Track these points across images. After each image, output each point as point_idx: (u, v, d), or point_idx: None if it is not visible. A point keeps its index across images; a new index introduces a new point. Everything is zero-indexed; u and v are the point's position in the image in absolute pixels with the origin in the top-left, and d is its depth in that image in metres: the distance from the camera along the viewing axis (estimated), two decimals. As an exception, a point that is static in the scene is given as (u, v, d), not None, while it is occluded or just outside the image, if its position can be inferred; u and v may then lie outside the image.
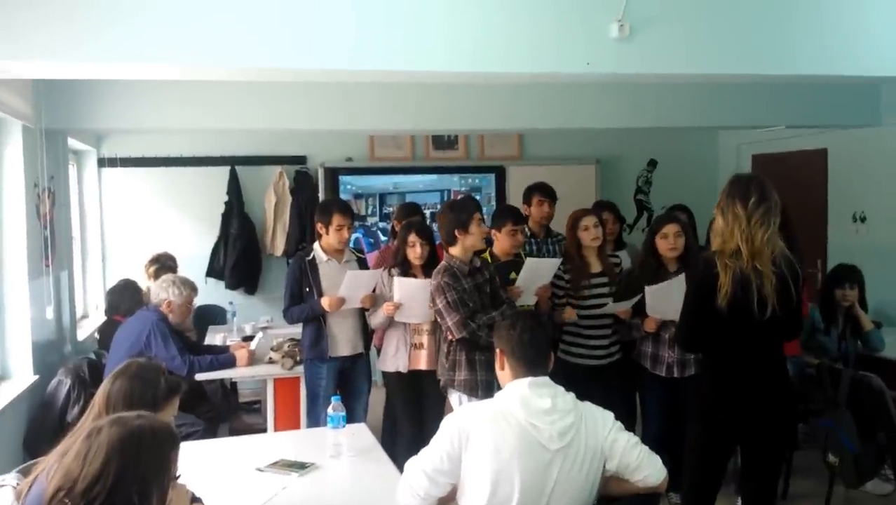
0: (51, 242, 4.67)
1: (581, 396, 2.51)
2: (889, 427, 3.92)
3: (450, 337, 3.80)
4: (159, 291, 4.49)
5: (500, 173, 7.34)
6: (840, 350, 4.60)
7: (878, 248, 5.98)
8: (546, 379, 2.45)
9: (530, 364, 2.45)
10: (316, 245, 4.44)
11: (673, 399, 4.11)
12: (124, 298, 5.16)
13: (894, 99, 5.91)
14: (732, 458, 3.26)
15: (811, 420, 4.44)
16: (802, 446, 4.65)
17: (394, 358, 4.24)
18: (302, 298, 4.35)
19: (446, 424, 2.42)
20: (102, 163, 6.61)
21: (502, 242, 4.23)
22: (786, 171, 6.49)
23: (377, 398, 4.72)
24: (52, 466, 1.82)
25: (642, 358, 4.18)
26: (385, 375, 4.36)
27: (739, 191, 2.94)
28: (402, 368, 4.21)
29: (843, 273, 4.68)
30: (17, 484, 2.26)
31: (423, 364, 4.18)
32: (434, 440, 2.41)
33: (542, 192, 4.90)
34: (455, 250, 3.88)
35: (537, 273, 4.17)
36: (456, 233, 3.86)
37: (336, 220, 4.32)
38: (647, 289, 3.93)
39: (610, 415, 2.47)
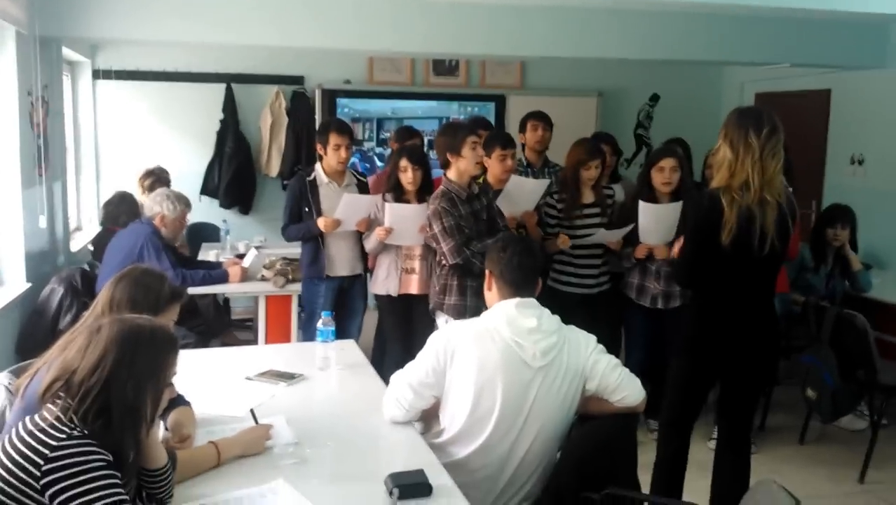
0: (44, 152, 4.63)
1: (567, 323, 2.54)
2: (869, 365, 3.99)
3: (444, 262, 3.81)
4: (153, 205, 4.48)
5: (500, 102, 7.26)
6: (828, 289, 4.64)
7: (874, 192, 5.98)
8: (533, 301, 2.49)
9: (518, 287, 2.47)
10: (317, 166, 4.43)
11: (656, 330, 4.19)
12: (121, 209, 5.14)
13: (902, 41, 5.83)
14: (712, 390, 3.32)
15: (793, 356, 4.52)
16: (782, 382, 4.74)
17: (385, 281, 4.27)
18: (301, 218, 4.36)
19: (433, 339, 2.47)
20: (97, 74, 6.52)
21: (493, 168, 4.19)
22: (788, 111, 6.39)
23: (371, 321, 4.77)
24: (54, 360, 1.85)
25: (628, 289, 4.23)
26: (377, 297, 4.40)
27: (752, 121, 2.87)
28: (393, 292, 4.24)
29: (836, 213, 4.69)
30: (10, 383, 2.31)
31: (413, 289, 4.21)
32: (420, 355, 2.45)
33: (536, 116, 4.85)
34: (451, 174, 3.86)
35: (522, 192, 4.17)
36: (449, 157, 3.84)
37: (333, 139, 4.29)
38: (642, 204, 3.94)
39: (592, 338, 2.51)
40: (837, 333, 4.07)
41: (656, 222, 3.91)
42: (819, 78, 6.50)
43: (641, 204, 3.96)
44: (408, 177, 4.11)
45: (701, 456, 3.33)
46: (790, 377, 4.64)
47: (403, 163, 4.13)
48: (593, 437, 2.42)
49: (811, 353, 4.18)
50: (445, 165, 3.90)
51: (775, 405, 4.64)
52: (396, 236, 4.13)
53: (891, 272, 5.38)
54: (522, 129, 4.90)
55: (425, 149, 5.45)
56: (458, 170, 3.84)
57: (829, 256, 4.67)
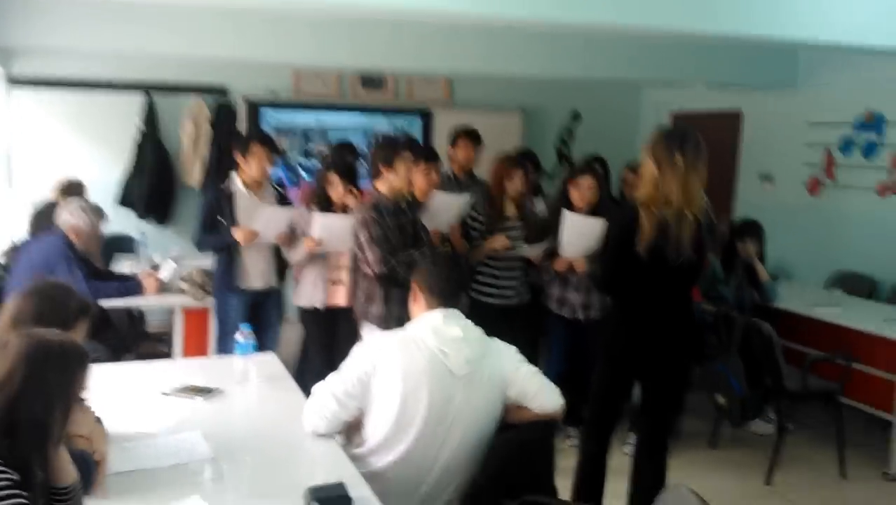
0: (-50, 161, 4.45)
1: (488, 334, 2.58)
2: (775, 372, 4.17)
3: (368, 272, 3.81)
4: (67, 216, 4.33)
5: (426, 117, 7.31)
6: (737, 299, 4.83)
7: (782, 207, 6.27)
8: (457, 312, 2.53)
9: (445, 298, 2.52)
10: (234, 176, 4.34)
11: (576, 340, 4.29)
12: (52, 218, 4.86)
13: (810, 63, 6.14)
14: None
15: (704, 364, 4.67)
16: (694, 389, 4.89)
17: (311, 293, 4.23)
18: (215, 228, 4.27)
19: (358, 349, 2.48)
20: (12, 82, 6.27)
21: (418, 181, 4.20)
22: (702, 130, 6.58)
23: (289, 333, 4.71)
24: None
25: (549, 300, 4.32)
26: (301, 310, 4.35)
27: (678, 140, 3.02)
28: (319, 304, 4.21)
29: (746, 227, 4.90)
30: None
31: (340, 300, 4.19)
32: (344, 365, 2.46)
33: (469, 135, 4.93)
34: (381, 186, 3.83)
35: (445, 208, 4.24)
36: (382, 168, 3.81)
37: (254, 149, 4.23)
38: (567, 213, 4.02)
39: (513, 348, 2.57)
40: (746, 341, 4.24)
41: (579, 233, 4.00)
42: (730, 98, 6.79)
43: (566, 213, 4.04)
44: (338, 192, 4.11)
45: (615, 462, 3.42)
46: (701, 384, 4.79)
47: (333, 178, 4.12)
48: (511, 444, 2.46)
49: (721, 361, 4.35)
50: (376, 176, 3.87)
51: (688, 411, 4.78)
52: (326, 245, 4.10)
53: (797, 283, 5.64)
54: (453, 142, 4.96)
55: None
56: (389, 183, 3.81)
57: (739, 267, 4.86)
